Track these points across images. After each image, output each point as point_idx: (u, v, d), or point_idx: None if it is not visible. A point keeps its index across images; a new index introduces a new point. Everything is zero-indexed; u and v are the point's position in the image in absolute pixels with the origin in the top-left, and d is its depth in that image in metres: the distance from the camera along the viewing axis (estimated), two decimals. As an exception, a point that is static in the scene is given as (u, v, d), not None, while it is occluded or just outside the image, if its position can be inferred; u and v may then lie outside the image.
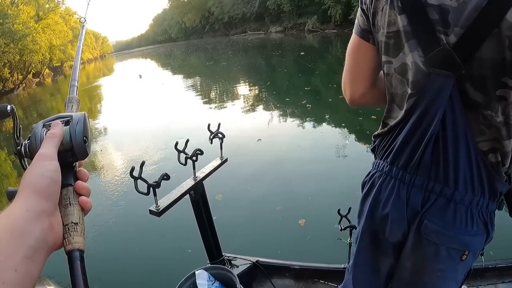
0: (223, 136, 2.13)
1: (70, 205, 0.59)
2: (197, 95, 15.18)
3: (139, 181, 1.59)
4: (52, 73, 48.19)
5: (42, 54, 32.33)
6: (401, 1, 1.02)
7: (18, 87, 33.11)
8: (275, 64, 21.05)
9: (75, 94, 0.85)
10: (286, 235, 4.00)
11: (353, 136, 7.06)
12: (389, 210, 1.19)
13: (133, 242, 4.26)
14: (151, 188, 1.65)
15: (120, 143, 9.24)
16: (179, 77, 24.42)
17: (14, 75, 33.34)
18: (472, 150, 1.03)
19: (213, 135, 2.10)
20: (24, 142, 0.64)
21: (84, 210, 0.62)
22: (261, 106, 10.90)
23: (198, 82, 19.61)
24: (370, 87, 1.30)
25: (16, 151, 0.64)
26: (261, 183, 5.45)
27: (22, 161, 0.64)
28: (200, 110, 11.67)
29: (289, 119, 9.08)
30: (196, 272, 2.09)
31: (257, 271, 2.51)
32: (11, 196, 0.56)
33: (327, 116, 8.75)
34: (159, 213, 1.76)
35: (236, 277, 2.03)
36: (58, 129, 0.63)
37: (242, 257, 2.52)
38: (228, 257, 2.47)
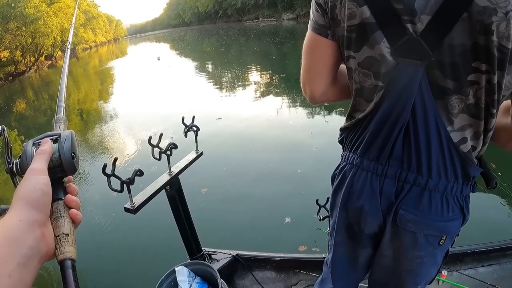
0: (198, 129, 2.10)
1: (61, 218, 0.62)
2: (205, 80, 15.23)
3: (112, 178, 1.57)
4: (64, 55, 48.16)
5: (54, 37, 32.41)
6: None
7: (30, 69, 33.34)
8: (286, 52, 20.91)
9: (62, 114, 0.87)
10: (267, 227, 4.00)
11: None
12: (363, 203, 1.19)
13: (110, 242, 4.22)
14: (124, 185, 1.64)
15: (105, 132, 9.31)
16: (187, 61, 24.74)
17: (26, 57, 33.56)
18: (444, 138, 1.03)
19: (187, 128, 2.07)
20: (15, 161, 0.67)
21: (74, 222, 0.65)
22: (261, 92, 10.92)
23: (206, 67, 19.73)
24: (331, 84, 1.25)
25: (8, 170, 0.66)
26: (242, 175, 5.50)
27: (14, 179, 0.67)
28: (208, 96, 11.72)
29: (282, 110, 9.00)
30: (176, 269, 2.09)
31: (238, 265, 2.53)
32: (2, 213, 0.58)
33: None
34: (134, 210, 1.74)
35: (216, 271, 2.04)
36: (47, 146, 0.66)
37: (222, 251, 2.53)
38: (208, 251, 2.47)
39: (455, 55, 0.92)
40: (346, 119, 1.25)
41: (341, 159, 1.29)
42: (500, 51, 0.87)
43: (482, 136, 1.04)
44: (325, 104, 7.03)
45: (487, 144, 1.08)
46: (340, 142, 1.31)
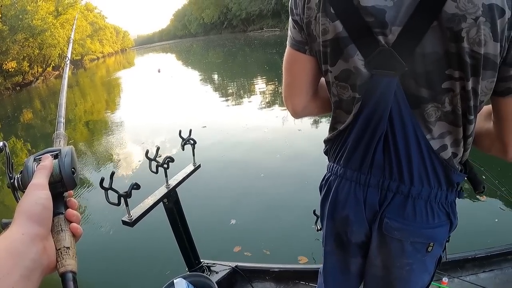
0: (195, 142, 2.11)
1: (62, 231, 0.63)
2: (210, 90, 15.35)
3: (109, 191, 1.59)
4: (72, 66, 48.73)
5: (61, 48, 32.76)
6: (334, 8, 1.00)
7: (37, 79, 33.67)
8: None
9: (62, 129, 0.88)
10: (266, 238, 3.98)
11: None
12: (348, 212, 1.19)
13: (109, 254, 4.22)
14: (122, 199, 1.65)
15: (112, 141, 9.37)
16: (192, 71, 25.04)
17: (34, 68, 33.96)
18: (424, 146, 1.03)
19: (184, 141, 2.08)
20: (16, 176, 0.68)
21: (75, 236, 0.65)
22: (266, 102, 10.96)
23: (211, 77, 19.90)
24: (312, 99, 1.27)
25: (10, 184, 0.68)
26: (239, 185, 5.52)
27: (16, 193, 0.68)
28: (210, 106, 11.79)
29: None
30: (175, 281, 2.09)
31: (237, 276, 2.52)
32: (5, 226, 0.60)
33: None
34: (132, 223, 1.75)
35: (215, 284, 2.05)
36: (48, 162, 0.67)
37: (221, 262, 2.52)
38: (207, 263, 2.47)
39: (428, 64, 0.93)
40: (329, 131, 1.26)
41: (327, 170, 1.30)
42: (472, 57, 0.88)
43: (462, 143, 1.04)
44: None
45: (468, 150, 1.09)
46: (325, 153, 1.32)
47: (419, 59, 0.93)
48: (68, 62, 1.43)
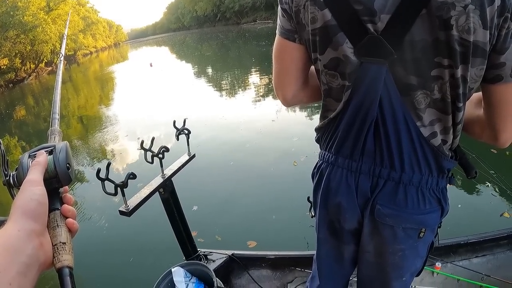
0: (189, 132, 2.12)
1: (58, 227, 0.63)
2: (204, 83, 15.34)
3: (106, 182, 1.59)
4: (65, 61, 48.20)
5: (53, 44, 32.52)
6: None
7: (30, 76, 33.46)
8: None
9: (56, 126, 0.89)
10: (262, 226, 4.05)
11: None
12: (340, 199, 1.20)
13: (106, 245, 4.24)
14: (118, 189, 1.66)
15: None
16: (184, 66, 25.06)
17: (27, 64, 33.72)
18: (414, 133, 1.04)
19: (179, 132, 2.10)
20: (12, 173, 0.68)
21: (71, 231, 0.65)
22: (259, 94, 10.93)
23: (205, 70, 19.92)
24: (302, 87, 1.27)
25: (5, 182, 0.68)
26: (234, 174, 5.57)
27: (11, 190, 0.69)
28: (204, 98, 11.85)
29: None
30: (173, 270, 2.10)
31: (233, 264, 2.55)
32: (0, 224, 0.59)
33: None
34: (129, 213, 1.75)
35: (212, 271, 2.06)
36: (42, 158, 0.67)
37: (218, 251, 2.55)
38: (204, 252, 2.49)
39: (417, 52, 0.94)
40: (320, 119, 1.26)
41: (319, 158, 1.31)
42: (461, 45, 0.88)
43: (451, 130, 1.05)
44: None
45: (458, 137, 1.10)
46: (317, 141, 1.32)
47: (408, 47, 0.94)
48: (62, 58, 1.42)
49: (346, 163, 1.17)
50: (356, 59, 1.02)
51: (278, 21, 1.19)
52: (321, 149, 1.31)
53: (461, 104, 0.99)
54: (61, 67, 1.30)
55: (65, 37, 1.77)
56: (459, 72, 0.92)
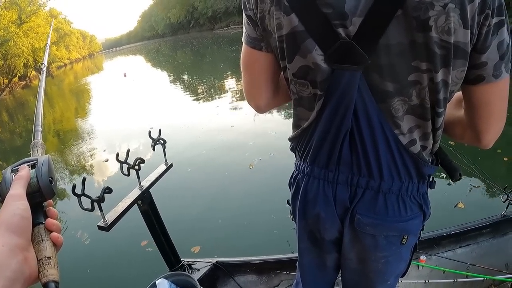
0: (165, 141, 2.11)
1: (42, 241, 0.63)
2: (180, 91, 15.31)
3: (82, 197, 1.57)
4: (39, 75, 47.42)
5: (25, 58, 32.10)
6: (288, 0, 0.93)
7: (3, 91, 32.86)
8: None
9: (39, 138, 0.88)
10: (244, 233, 4.05)
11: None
12: (319, 211, 1.16)
13: (89, 260, 4.15)
14: (95, 204, 1.62)
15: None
16: (159, 74, 25.01)
17: (0, 79, 33.13)
18: (392, 141, 1.00)
19: (154, 142, 2.08)
20: None
21: (56, 245, 0.66)
22: (237, 98, 10.92)
23: (180, 77, 19.91)
24: (273, 94, 1.21)
25: None
26: (212, 181, 5.54)
27: None
28: (179, 106, 11.84)
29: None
30: (157, 282, 2.07)
31: (218, 272, 2.54)
32: None
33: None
34: (107, 228, 1.73)
35: (196, 281, 2.04)
36: (24, 172, 0.67)
37: (202, 260, 2.53)
38: (188, 261, 2.47)
39: (393, 56, 0.88)
40: (293, 128, 1.21)
41: (295, 167, 1.27)
42: (442, 47, 0.83)
43: (431, 136, 1.01)
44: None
45: (438, 142, 1.06)
46: (292, 150, 1.28)
47: (383, 51, 0.88)
48: (45, 68, 1.40)
49: (322, 174, 1.13)
50: (327, 67, 0.96)
51: (244, 29, 1.13)
52: (296, 158, 1.26)
53: (441, 110, 0.95)
54: (43, 77, 1.27)
55: (48, 46, 1.73)
56: (439, 76, 0.88)
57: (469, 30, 0.82)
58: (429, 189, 1.13)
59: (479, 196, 3.99)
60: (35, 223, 0.65)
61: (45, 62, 1.48)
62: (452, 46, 0.83)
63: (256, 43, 1.09)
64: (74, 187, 1.55)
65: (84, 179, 1.60)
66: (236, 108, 10.08)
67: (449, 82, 0.89)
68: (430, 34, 0.82)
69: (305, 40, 0.95)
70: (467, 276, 2.25)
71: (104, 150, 8.59)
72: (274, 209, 4.15)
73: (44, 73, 1.34)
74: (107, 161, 7.56)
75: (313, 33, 0.94)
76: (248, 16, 1.07)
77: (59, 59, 67.57)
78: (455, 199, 3.84)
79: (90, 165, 7.80)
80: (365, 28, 0.87)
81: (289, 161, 1.32)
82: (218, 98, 12.07)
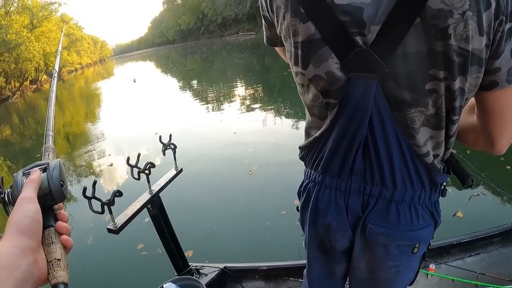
0: (175, 146, 2.13)
1: (52, 244, 0.64)
2: (189, 96, 15.36)
3: (93, 200, 1.59)
4: (50, 79, 47.91)
5: (37, 62, 32.45)
6: (304, 7, 0.93)
7: (14, 94, 33.25)
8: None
9: (50, 143, 0.89)
10: (253, 238, 4.04)
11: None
12: (330, 220, 1.15)
13: (97, 263, 4.17)
14: (105, 206, 1.65)
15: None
16: (169, 80, 25.08)
17: (11, 82, 33.55)
18: (406, 150, 0.99)
19: (165, 147, 2.09)
20: (6, 191, 0.69)
21: (66, 248, 0.66)
22: (246, 105, 10.99)
23: (190, 84, 20.09)
24: None
25: (0, 199, 0.69)
26: (225, 186, 5.52)
27: (6, 208, 0.69)
28: (190, 112, 11.81)
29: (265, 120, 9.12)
30: (164, 286, 2.09)
31: (226, 277, 2.54)
32: None
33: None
34: (117, 231, 1.76)
35: (204, 286, 2.05)
36: (36, 175, 0.69)
37: (210, 265, 2.53)
38: (196, 266, 2.48)
39: (410, 64, 0.87)
40: (304, 136, 1.21)
41: (304, 176, 1.26)
42: (460, 55, 0.83)
43: (443, 143, 1.01)
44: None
45: (450, 149, 1.06)
46: (301, 159, 1.27)
47: (401, 60, 0.87)
48: (56, 74, 1.41)
49: (334, 183, 1.12)
50: (343, 75, 0.95)
51: (263, 29, 1.16)
52: (306, 167, 1.25)
53: (456, 117, 0.94)
54: (54, 83, 1.29)
55: (59, 52, 1.76)
56: (456, 84, 0.87)
57: (484, 37, 0.81)
58: (440, 197, 1.12)
59: (480, 204, 3.94)
60: (45, 226, 0.66)
61: (56, 67, 1.49)
62: (469, 53, 0.82)
63: (273, 40, 1.14)
64: (84, 189, 1.57)
65: (95, 182, 1.61)
66: (239, 115, 10.10)
67: (465, 90, 0.89)
68: (449, 42, 0.82)
69: (321, 48, 0.95)
70: (476, 286, 2.23)
71: (109, 155, 8.65)
72: (282, 215, 4.16)
73: (55, 78, 1.36)
74: (111, 165, 7.61)
75: (329, 41, 0.93)
76: (264, 17, 1.10)
77: (70, 64, 68.08)
78: (454, 208, 3.80)
79: (97, 169, 7.83)
80: (383, 36, 0.87)
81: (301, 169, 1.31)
82: (222, 105, 12.14)
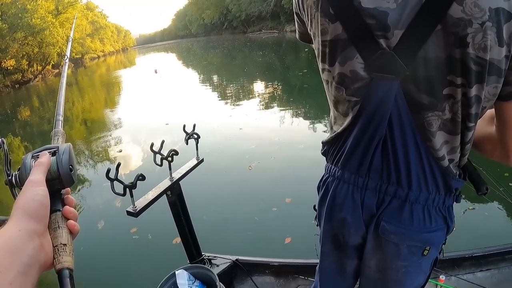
0: (198, 136, 2.15)
1: (59, 228, 0.63)
2: (209, 90, 15.43)
3: (115, 182, 1.61)
4: (73, 64, 48.69)
5: (60, 47, 32.80)
6: (333, 8, 0.98)
7: (36, 77, 33.71)
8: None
9: (60, 127, 0.89)
10: (266, 233, 4.06)
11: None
12: (346, 215, 1.18)
13: (110, 247, 4.24)
14: (127, 189, 1.67)
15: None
16: (189, 72, 25.38)
17: (34, 66, 34.06)
18: (423, 152, 1.02)
19: (188, 136, 2.11)
20: (14, 173, 0.68)
21: (72, 233, 0.66)
22: (267, 103, 11.00)
23: (210, 78, 20.19)
24: None
25: (7, 181, 0.68)
26: (243, 180, 5.60)
27: (13, 190, 0.68)
28: (211, 105, 11.85)
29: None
30: (176, 272, 2.10)
31: (237, 270, 2.56)
32: (1, 223, 0.60)
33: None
34: (136, 214, 1.77)
35: (216, 275, 2.06)
36: (45, 158, 0.68)
37: (222, 256, 2.55)
38: (208, 256, 2.49)
39: (430, 69, 0.91)
40: (329, 131, 1.26)
41: (325, 171, 1.29)
42: (477, 64, 0.85)
43: (459, 149, 1.03)
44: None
45: (466, 156, 1.08)
46: (323, 154, 1.31)
47: (421, 64, 0.91)
48: (67, 60, 1.43)
49: (352, 179, 1.16)
50: (367, 75, 1.00)
51: (296, 26, 1.22)
52: (327, 162, 1.29)
53: (472, 124, 0.96)
54: (65, 69, 1.30)
55: (71, 39, 1.78)
56: (473, 91, 0.89)
57: (504, 48, 0.84)
58: (454, 203, 1.14)
59: (494, 220, 3.89)
60: (52, 210, 0.65)
61: (68, 54, 1.49)
62: (487, 63, 0.85)
63: (305, 36, 1.19)
64: (108, 171, 1.61)
65: (118, 164, 1.65)
66: (248, 112, 10.21)
67: (482, 98, 0.91)
68: (467, 50, 0.84)
69: (348, 47, 1.00)
70: (484, 302, 2.21)
71: (130, 139, 8.81)
72: (297, 213, 4.16)
73: (66, 64, 1.38)
74: (120, 151, 7.75)
75: (355, 41, 0.98)
76: (297, 14, 1.16)
77: (93, 51, 68.83)
78: (469, 221, 3.76)
79: (114, 154, 7.94)
80: (405, 41, 0.91)
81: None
82: (233, 101, 12.24)
